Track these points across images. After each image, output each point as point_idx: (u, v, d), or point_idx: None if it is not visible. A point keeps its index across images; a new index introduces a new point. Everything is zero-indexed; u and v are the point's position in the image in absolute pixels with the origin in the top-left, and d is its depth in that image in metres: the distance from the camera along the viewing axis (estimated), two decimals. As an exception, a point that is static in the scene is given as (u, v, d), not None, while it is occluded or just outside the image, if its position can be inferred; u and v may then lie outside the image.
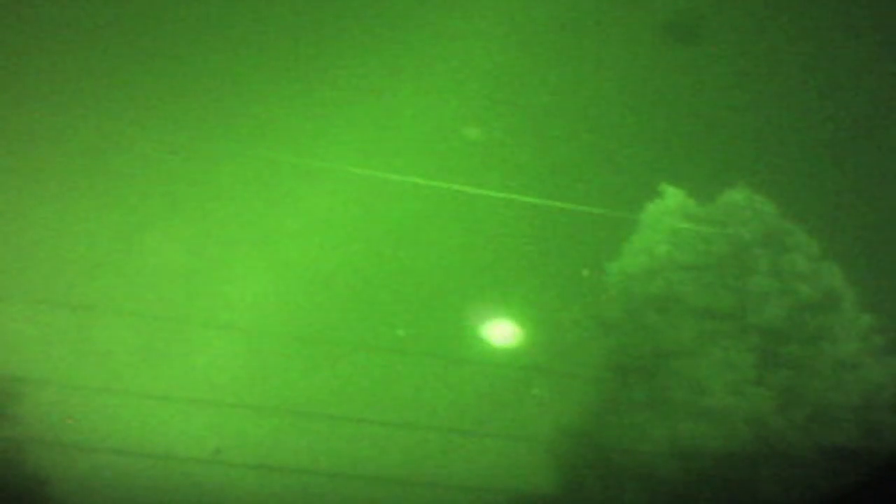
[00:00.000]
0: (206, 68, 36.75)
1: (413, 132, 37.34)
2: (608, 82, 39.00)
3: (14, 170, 31.99)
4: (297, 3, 38.38)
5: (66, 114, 32.82)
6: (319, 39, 37.86)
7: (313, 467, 25.61)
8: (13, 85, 33.23)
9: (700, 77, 38.81)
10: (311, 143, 35.31)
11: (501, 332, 31.61)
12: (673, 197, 29.96)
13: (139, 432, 26.38)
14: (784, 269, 28.33)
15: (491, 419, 29.48)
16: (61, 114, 32.75)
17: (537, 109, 38.32)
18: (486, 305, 32.50)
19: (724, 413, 26.22)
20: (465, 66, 38.47)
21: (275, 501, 26.01)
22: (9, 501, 24.78)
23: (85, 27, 35.82)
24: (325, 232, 35.07)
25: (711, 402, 26.43)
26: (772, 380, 26.83)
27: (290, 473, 25.24)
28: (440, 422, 28.42)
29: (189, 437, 26.36)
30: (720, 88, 39.00)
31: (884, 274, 30.65)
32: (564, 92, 38.98)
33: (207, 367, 29.93)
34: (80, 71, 35.09)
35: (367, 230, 35.17)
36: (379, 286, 34.17)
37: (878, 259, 31.59)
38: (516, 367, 30.92)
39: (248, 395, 28.31)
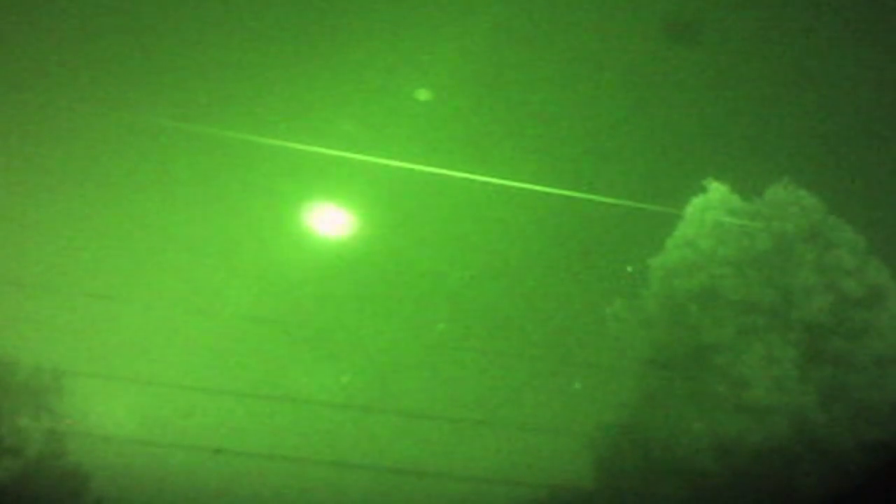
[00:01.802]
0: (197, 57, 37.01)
1: (464, 132, 37.64)
2: (654, 80, 39.06)
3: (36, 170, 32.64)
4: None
5: (54, 107, 33.42)
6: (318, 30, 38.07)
7: (321, 457, 26.05)
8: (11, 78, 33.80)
9: (745, 73, 38.68)
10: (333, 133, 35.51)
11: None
12: (717, 192, 29.85)
13: (147, 421, 26.99)
14: (828, 265, 28.12)
15: (532, 413, 29.84)
16: (56, 112, 33.42)
17: (583, 106, 38.50)
18: (525, 300, 32.78)
19: (765, 408, 26.29)
20: (506, 67, 38.67)
21: (288, 492, 26.46)
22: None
23: (87, 29, 36.48)
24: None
25: (753, 397, 26.50)
26: (814, 375, 26.79)
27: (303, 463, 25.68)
28: (476, 414, 28.76)
29: (201, 428, 26.89)
30: (766, 85, 38.80)
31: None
32: (611, 88, 39.12)
33: (218, 357, 30.47)
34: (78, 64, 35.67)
35: (384, 222, 35.39)
36: (394, 280, 34.47)
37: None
38: (557, 360, 31.18)
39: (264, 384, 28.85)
